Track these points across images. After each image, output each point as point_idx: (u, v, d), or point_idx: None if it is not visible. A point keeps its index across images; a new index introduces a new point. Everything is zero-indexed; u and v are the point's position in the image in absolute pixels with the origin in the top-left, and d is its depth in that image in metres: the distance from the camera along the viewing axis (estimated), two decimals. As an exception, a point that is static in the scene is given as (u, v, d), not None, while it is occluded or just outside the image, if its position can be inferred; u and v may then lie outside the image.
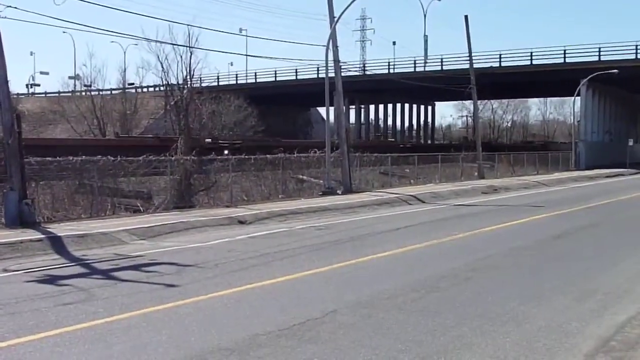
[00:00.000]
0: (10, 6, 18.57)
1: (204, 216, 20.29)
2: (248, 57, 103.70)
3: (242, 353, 7.23)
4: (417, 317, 8.71)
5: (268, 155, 30.06)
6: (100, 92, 71.82)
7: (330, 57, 31.26)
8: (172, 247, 15.40)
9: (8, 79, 18.81)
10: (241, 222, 19.94)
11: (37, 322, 8.41)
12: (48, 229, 16.86)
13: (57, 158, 21.33)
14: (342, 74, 33.97)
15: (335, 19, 31.32)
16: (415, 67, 75.44)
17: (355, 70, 70.68)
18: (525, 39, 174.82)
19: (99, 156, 22.49)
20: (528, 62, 68.04)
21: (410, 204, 27.10)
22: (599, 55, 64.46)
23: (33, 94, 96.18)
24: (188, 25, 52.60)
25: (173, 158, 25.15)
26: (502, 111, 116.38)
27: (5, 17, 18.45)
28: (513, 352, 7.36)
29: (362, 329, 8.15)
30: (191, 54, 50.06)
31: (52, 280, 11.39)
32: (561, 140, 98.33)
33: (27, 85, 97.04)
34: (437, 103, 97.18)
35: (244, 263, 13.12)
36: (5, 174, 18.70)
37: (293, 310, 9.09)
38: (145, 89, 76.85)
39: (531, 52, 68.27)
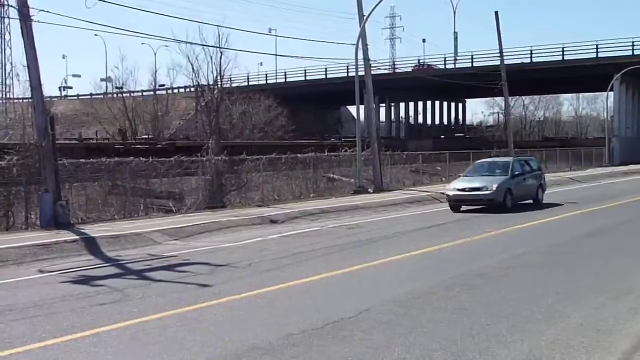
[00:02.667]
0: (43, 10, 18.80)
1: (235, 216, 20.36)
2: (277, 56, 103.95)
3: (276, 352, 7.23)
4: (451, 315, 8.63)
5: (299, 155, 30.10)
6: (132, 94, 72.43)
7: (360, 55, 31.20)
8: (204, 247, 15.47)
9: (41, 82, 19.10)
10: (273, 222, 19.98)
11: (73, 323, 8.49)
12: (82, 230, 17.05)
13: (91, 160, 21.57)
14: (372, 72, 33.90)
15: (365, 18, 31.25)
16: (445, 64, 75.00)
17: (385, 68, 70.57)
18: (556, 34, 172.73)
19: (131, 157, 22.68)
20: (560, 58, 67.27)
21: (442, 202, 26.87)
22: (632, 50, 63.51)
23: (66, 96, 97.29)
24: (218, 26, 52.66)
25: (204, 158, 25.27)
26: (533, 107, 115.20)
27: (38, 21, 18.67)
28: (549, 350, 7.26)
29: (396, 328, 8.10)
30: (221, 54, 50.15)
31: (87, 280, 11.50)
32: (595, 136, 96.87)
33: (59, 88, 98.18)
34: (467, 100, 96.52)
35: (276, 262, 13.14)
36: (40, 176, 18.95)
37: (326, 309, 9.07)
38: (176, 90, 77.37)
39: (563, 48, 67.55)
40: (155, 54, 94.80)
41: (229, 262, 12.97)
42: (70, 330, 8.11)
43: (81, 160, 21.74)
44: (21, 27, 18.58)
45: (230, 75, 55.10)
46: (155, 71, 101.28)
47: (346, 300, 9.58)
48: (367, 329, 8.06)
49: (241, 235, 17.43)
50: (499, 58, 48.58)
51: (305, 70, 78.89)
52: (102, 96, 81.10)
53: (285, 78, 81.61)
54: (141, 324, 8.41)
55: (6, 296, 10.40)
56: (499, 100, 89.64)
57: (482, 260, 12.93)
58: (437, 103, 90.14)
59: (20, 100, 67.93)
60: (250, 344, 7.52)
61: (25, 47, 18.68)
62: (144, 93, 76.66)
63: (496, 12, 46.70)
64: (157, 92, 75.67)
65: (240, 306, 9.43)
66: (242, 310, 9.20)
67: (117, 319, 8.64)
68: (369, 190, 30.04)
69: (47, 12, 19.09)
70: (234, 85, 59.68)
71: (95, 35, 79.26)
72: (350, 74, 63.06)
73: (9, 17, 74.83)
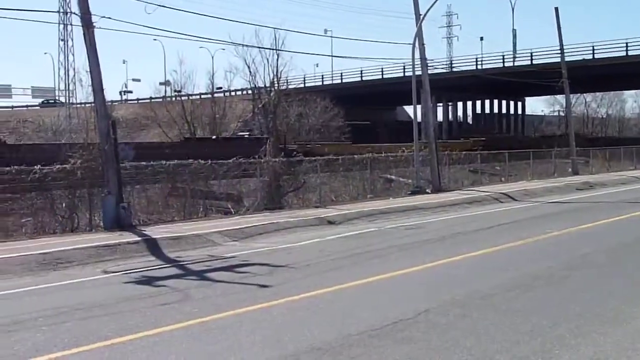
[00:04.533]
0: (104, 16, 19.21)
1: (293, 217, 20.47)
2: (333, 57, 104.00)
3: (335, 353, 7.25)
4: (512, 317, 8.52)
5: (355, 156, 30.08)
6: (190, 97, 73.48)
7: (417, 55, 31.02)
8: (263, 248, 15.59)
9: (103, 87, 19.52)
10: (330, 223, 20.02)
11: (136, 322, 8.66)
12: (144, 232, 17.36)
13: (151, 162, 21.95)
14: (429, 72, 33.65)
15: (421, 17, 31.07)
16: (504, 62, 73.99)
17: (442, 68, 70.01)
18: (620, 29, 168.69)
19: (191, 160, 23.01)
20: (623, 54, 65.69)
21: (502, 202, 26.59)
22: (699, 43, 61.64)
23: (126, 100, 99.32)
24: (275, 28, 53.27)
25: (262, 160, 25.47)
26: (596, 105, 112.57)
27: (99, 28, 19.08)
28: (614, 353, 7.11)
29: (456, 329, 8.04)
30: (278, 56, 50.66)
31: (149, 281, 11.72)
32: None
33: (120, 93, 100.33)
34: (527, 98, 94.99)
35: (334, 263, 13.17)
36: (103, 179, 19.37)
37: (385, 310, 9.05)
38: (233, 93, 78.23)
39: (627, 43, 65.92)
40: (212, 57, 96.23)
41: (288, 263, 13.04)
42: (134, 329, 8.27)
43: (142, 162, 22.12)
44: (84, 34, 19.02)
45: (286, 77, 55.55)
46: (213, 74, 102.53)
47: (404, 302, 9.54)
48: (426, 331, 8.02)
49: (299, 236, 17.51)
50: (559, 55, 47.68)
51: (361, 71, 78.89)
52: (161, 100, 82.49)
53: (342, 79, 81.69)
54: (202, 323, 8.53)
55: (73, 296, 10.67)
56: (560, 98, 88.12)
57: (544, 261, 12.72)
58: (495, 102, 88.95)
59: (83, 105, 69.65)
60: (309, 344, 7.56)
61: (87, 53, 19.13)
62: (202, 96, 77.67)
63: (556, 8, 45.82)
64: (215, 95, 76.62)
65: (299, 307, 9.48)
66: (300, 311, 9.25)
67: (179, 318, 8.78)
68: (427, 190, 29.84)
69: (109, 18, 19.51)
70: (290, 87, 60.05)
71: (154, 40, 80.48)
72: (406, 74, 62.78)
73: (71, 24, 76.89)
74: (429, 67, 34.27)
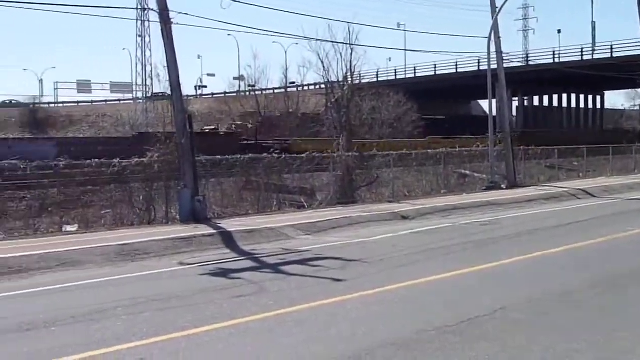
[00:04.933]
0: (181, 12, 19.54)
1: (366, 211, 20.41)
2: (407, 51, 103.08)
3: (410, 348, 7.19)
4: (594, 316, 8.30)
5: (429, 150, 29.82)
6: (264, 92, 74.15)
7: (492, 48, 30.48)
8: (336, 242, 15.60)
9: (180, 82, 19.86)
10: (404, 218, 19.89)
11: (212, 314, 8.78)
12: (218, 225, 17.59)
13: (226, 156, 22.25)
14: (504, 65, 33.01)
15: (497, 10, 30.52)
16: (582, 55, 71.98)
17: (518, 61, 68.64)
18: None
19: (265, 154, 23.23)
20: None
21: (580, 199, 25.91)
22: None
23: (201, 95, 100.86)
24: (348, 23, 53.06)
25: (335, 155, 25.49)
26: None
27: (177, 24, 19.41)
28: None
29: (534, 327, 7.87)
30: (352, 51, 50.52)
31: (224, 273, 11.87)
32: None
33: (195, 87, 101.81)
34: (606, 92, 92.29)
35: (408, 258, 13.08)
36: (179, 172, 19.72)
37: (460, 306, 8.93)
38: (306, 87, 78.55)
39: None
40: (285, 52, 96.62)
41: (361, 258, 13.01)
42: (210, 320, 8.39)
43: (217, 157, 22.44)
44: (162, 30, 19.37)
45: (359, 71, 55.39)
46: (286, 69, 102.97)
47: (480, 298, 9.39)
48: (504, 328, 7.87)
49: (372, 230, 17.45)
50: (640, 47, 46.20)
51: (435, 65, 77.99)
52: (235, 94, 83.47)
53: (415, 73, 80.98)
54: (277, 316, 8.59)
55: (150, 287, 10.90)
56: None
57: (627, 259, 12.36)
58: (573, 96, 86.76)
59: (160, 100, 71.07)
60: (384, 338, 7.52)
61: (165, 48, 19.47)
62: (275, 91, 78.29)
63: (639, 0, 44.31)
64: (288, 90, 77.09)
65: (373, 301, 9.44)
66: (374, 306, 9.21)
67: (254, 311, 8.85)
68: (502, 186, 29.33)
69: (186, 14, 19.84)
70: (363, 81, 59.87)
71: (229, 35, 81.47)
72: (481, 68, 61.74)
73: (148, 21, 78.49)
74: (504, 61, 33.60)
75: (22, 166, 19.13)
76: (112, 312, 8.91)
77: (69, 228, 18.69)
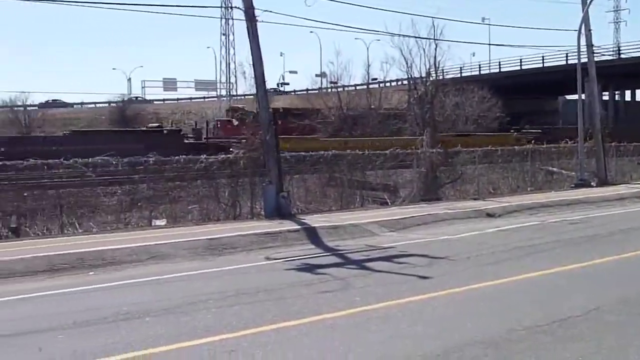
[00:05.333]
0: (266, 10, 19.78)
1: (450, 209, 20.20)
2: (491, 46, 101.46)
3: (500, 347, 7.08)
4: (693, 319, 7.98)
5: (515, 147, 29.27)
6: (346, 88, 74.19)
7: (582, 41, 29.64)
8: (421, 239, 15.50)
9: (265, 79, 20.09)
10: (490, 215, 19.58)
11: (300, 308, 8.86)
12: (303, 220, 17.73)
13: (310, 152, 22.40)
14: (595, 59, 32.04)
15: (588, 2, 29.66)
16: (681, 46, 69.09)
17: (609, 54, 66.41)
18: None
19: (348, 150, 23.27)
20: None
21: (675, 197, 24.94)
22: None
23: (283, 92, 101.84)
24: (432, 17, 52.51)
25: (419, 151, 25.32)
26: None
27: (262, 21, 19.65)
28: None
29: (630, 329, 7.63)
30: (436, 46, 50.05)
31: (310, 268, 11.96)
32: None
33: (277, 85, 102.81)
34: None
35: (495, 256, 12.87)
36: (264, 168, 19.98)
37: (550, 306, 8.73)
38: (388, 84, 78.18)
39: None
40: (367, 48, 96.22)
41: (447, 255, 12.87)
42: (298, 315, 8.46)
43: (301, 153, 22.63)
44: (247, 28, 19.63)
45: (443, 67, 54.82)
46: (369, 65, 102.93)
47: (571, 299, 9.15)
48: (598, 329, 7.66)
49: (457, 228, 17.25)
50: None
51: (520, 60, 76.37)
52: (317, 91, 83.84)
53: (500, 68, 79.51)
54: (364, 312, 8.59)
55: (238, 281, 11.08)
56: None
57: None
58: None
59: (243, 97, 72.14)
60: (472, 337, 7.43)
61: (250, 46, 19.74)
62: (357, 87, 78.23)
63: None
64: (370, 86, 76.90)
65: (460, 299, 9.34)
66: (461, 303, 9.11)
67: (340, 306, 8.88)
68: (592, 183, 28.52)
69: (271, 12, 20.07)
70: (447, 76, 59.20)
71: (311, 32, 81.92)
72: (570, 62, 60.14)
73: (232, 19, 79.83)
74: (594, 54, 32.60)
75: (113, 162, 19.76)
76: (203, 304, 9.10)
77: (158, 222, 19.21)
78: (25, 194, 19.19)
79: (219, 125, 51.28)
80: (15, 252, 13.19)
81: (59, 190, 19.36)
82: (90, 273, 12.01)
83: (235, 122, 43.69)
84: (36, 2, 34.35)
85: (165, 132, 50.64)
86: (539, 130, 51.83)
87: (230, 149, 26.85)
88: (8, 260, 12.40)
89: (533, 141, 37.33)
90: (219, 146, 36.74)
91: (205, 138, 49.79)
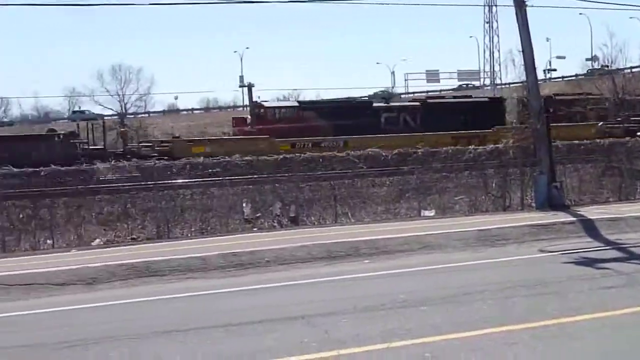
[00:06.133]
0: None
1: None
2: None
3: None
4: None
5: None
6: (621, 71, 69.36)
7: None
8: None
9: (535, 66, 19.40)
10: None
11: (581, 304, 8.44)
12: (578, 212, 16.93)
13: (585, 141, 21.35)
14: None
15: None
16: None
17: None
18: None
19: (628, 137, 21.81)
20: None
21: None
22: None
23: (550, 79, 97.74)
24: None
25: None
26: None
27: (531, 6, 18.99)
28: None
29: None
30: None
31: (588, 262, 11.35)
32: None
33: (544, 71, 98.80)
34: None
35: None
36: (534, 158, 19.35)
37: None
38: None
39: None
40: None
41: None
42: (579, 310, 8.07)
43: (574, 142, 21.63)
44: (516, 14, 19.08)
45: None
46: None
47: None
48: None
49: None
50: None
51: None
52: (585, 76, 79.39)
53: None
54: (655, 311, 7.98)
55: (513, 272, 10.86)
56: None
57: None
58: None
59: (508, 86, 70.48)
60: None
61: (520, 32, 19.16)
62: (633, 70, 72.80)
63: None
64: (648, 68, 71.18)
65: None
66: None
67: (627, 303, 8.33)
68: None
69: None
70: None
71: (580, 14, 77.58)
72: None
73: (496, 6, 78.30)
74: None
75: (383, 153, 20.32)
76: (479, 295, 9.02)
77: (426, 213, 19.43)
78: (301, 185, 20.39)
79: (234, 125, 43.72)
80: (295, 240, 14.09)
81: (332, 181, 20.31)
82: (365, 261, 12.46)
83: (248, 120, 38.45)
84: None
85: (57, 139, 33.20)
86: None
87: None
88: (291, 248, 13.28)
89: None
90: (132, 151, 30.54)
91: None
